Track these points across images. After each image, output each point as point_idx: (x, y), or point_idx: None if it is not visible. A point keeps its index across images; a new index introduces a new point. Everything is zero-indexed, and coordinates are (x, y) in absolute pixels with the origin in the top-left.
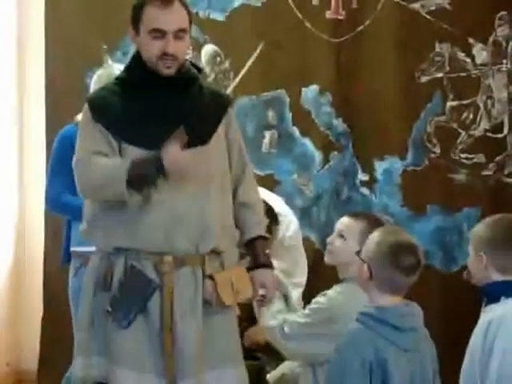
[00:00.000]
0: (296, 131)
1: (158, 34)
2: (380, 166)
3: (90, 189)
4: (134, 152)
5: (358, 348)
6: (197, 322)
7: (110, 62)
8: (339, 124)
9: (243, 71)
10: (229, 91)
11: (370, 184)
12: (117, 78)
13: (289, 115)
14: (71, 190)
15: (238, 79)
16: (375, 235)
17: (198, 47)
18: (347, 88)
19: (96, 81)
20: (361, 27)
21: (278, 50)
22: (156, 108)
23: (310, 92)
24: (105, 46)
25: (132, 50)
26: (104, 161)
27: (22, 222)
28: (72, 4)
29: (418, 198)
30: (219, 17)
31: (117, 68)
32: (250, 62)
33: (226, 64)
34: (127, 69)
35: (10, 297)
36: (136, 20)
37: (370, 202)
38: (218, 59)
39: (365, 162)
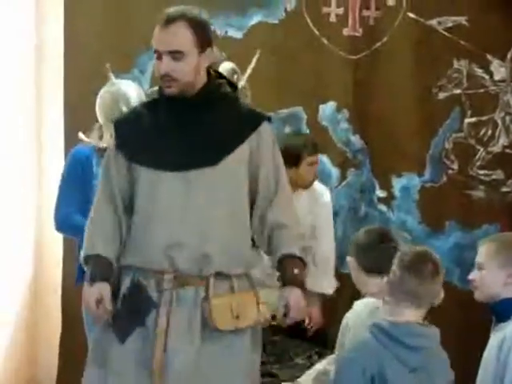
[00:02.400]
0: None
1: (157, 54)
2: (398, 183)
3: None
4: (143, 172)
5: (363, 357)
6: (193, 346)
7: (113, 80)
8: (356, 140)
9: (242, 81)
10: None
11: (388, 200)
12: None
13: (306, 132)
14: (80, 211)
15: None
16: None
17: (215, 65)
18: (364, 105)
19: (99, 102)
20: (378, 44)
21: (295, 67)
22: (165, 128)
23: (327, 109)
24: (108, 65)
25: (149, 68)
26: (99, 221)
27: (40, 238)
28: (90, 20)
29: (436, 215)
30: (237, 34)
31: (124, 84)
32: (248, 71)
33: (243, 81)
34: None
35: (28, 313)
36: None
37: (387, 218)
38: (235, 77)
39: (382, 179)
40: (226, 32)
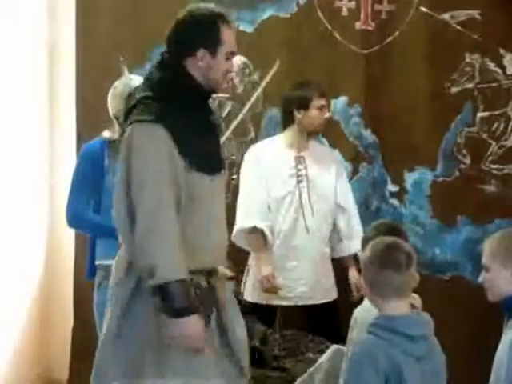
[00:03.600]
0: (325, 142)
1: (232, 55)
2: (410, 177)
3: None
4: (199, 178)
5: (373, 359)
6: (242, 323)
7: (126, 73)
8: (368, 135)
9: (261, 88)
10: (256, 103)
11: (400, 195)
12: (166, 96)
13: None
14: (92, 207)
15: (257, 94)
16: (366, 249)
17: None
18: (376, 99)
19: (112, 92)
20: (390, 38)
21: (306, 61)
22: (206, 131)
23: (339, 103)
24: (122, 58)
25: None
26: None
27: (52, 234)
28: (103, 15)
29: (449, 210)
30: (248, 28)
31: (136, 80)
32: (267, 79)
33: (255, 76)
34: (183, 90)
35: (40, 308)
36: (214, 42)
37: (399, 213)
38: (247, 71)
39: (394, 173)
40: (238, 26)
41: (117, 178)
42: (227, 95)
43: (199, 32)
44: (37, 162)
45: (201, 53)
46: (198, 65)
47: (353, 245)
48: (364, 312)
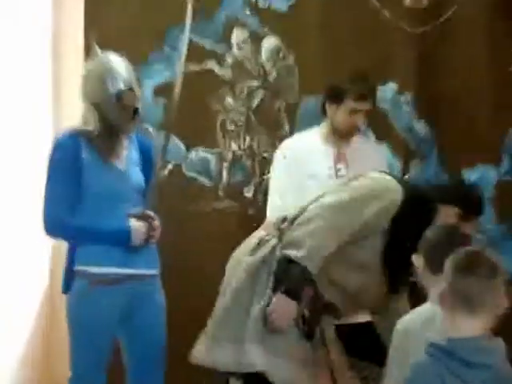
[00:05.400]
0: (371, 136)
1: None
2: (470, 176)
3: None
4: None
5: (424, 381)
6: None
7: (99, 53)
8: (421, 127)
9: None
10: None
11: None
12: None
13: None
14: (71, 208)
15: None
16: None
17: (257, 41)
18: (430, 86)
19: (87, 75)
20: (445, 15)
21: (349, 43)
22: None
23: (387, 91)
24: (93, 36)
25: (181, 46)
26: None
27: (57, 243)
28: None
29: None
30: (282, 7)
31: (117, 61)
32: None
33: (290, 60)
34: None
35: (44, 319)
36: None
37: None
38: (281, 54)
39: (452, 172)
40: (270, 4)
41: None
42: (257, 83)
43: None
44: (40, 169)
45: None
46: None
47: None
48: (409, 324)
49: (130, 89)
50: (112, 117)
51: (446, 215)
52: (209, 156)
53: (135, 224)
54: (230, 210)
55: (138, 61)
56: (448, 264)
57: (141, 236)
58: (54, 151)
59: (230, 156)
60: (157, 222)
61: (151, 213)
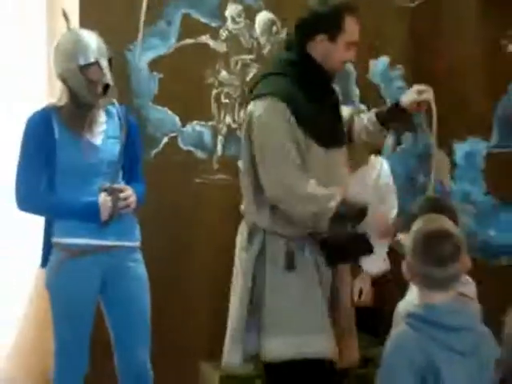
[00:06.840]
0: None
1: (353, 45)
2: (461, 149)
3: (293, 204)
4: (315, 149)
5: (407, 354)
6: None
7: (71, 27)
8: None
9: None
10: None
11: (450, 169)
12: (288, 73)
13: (355, 91)
14: (45, 184)
15: None
16: (409, 235)
17: (251, 15)
18: (422, 60)
19: (56, 50)
20: None
21: None
22: (329, 108)
23: (379, 64)
24: (63, 9)
25: (176, 20)
26: (312, 187)
27: None
28: None
29: (505, 185)
30: None
31: (90, 36)
32: None
33: (284, 34)
34: (303, 69)
35: (37, 307)
36: (334, 29)
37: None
38: (275, 28)
39: (443, 144)
40: None
41: (241, 154)
42: (251, 56)
43: (322, 17)
44: None
45: (320, 37)
46: (317, 48)
47: None
48: (406, 306)
49: (97, 64)
50: (78, 91)
51: None
52: (203, 129)
53: (102, 198)
54: (225, 183)
55: (134, 35)
56: (412, 239)
57: (107, 210)
58: (26, 128)
59: (224, 129)
60: (126, 194)
61: (120, 185)
